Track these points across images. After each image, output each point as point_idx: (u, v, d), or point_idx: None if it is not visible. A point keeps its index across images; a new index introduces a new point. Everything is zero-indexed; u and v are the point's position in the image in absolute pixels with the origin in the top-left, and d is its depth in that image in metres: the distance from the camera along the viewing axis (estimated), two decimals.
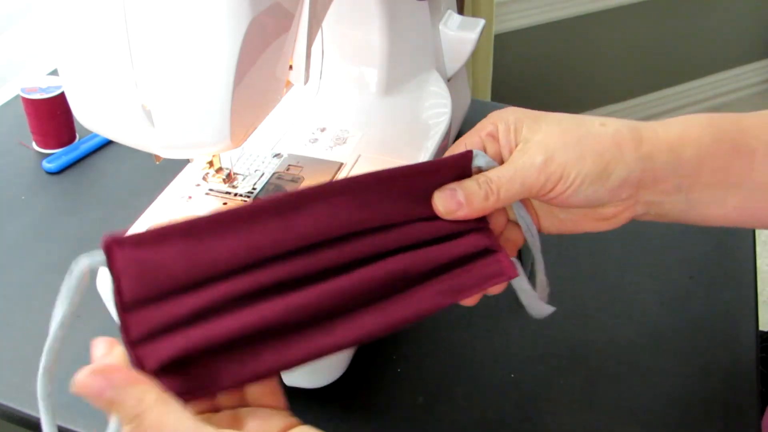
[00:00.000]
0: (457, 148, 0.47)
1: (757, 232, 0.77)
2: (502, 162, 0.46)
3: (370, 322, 0.41)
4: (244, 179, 0.61)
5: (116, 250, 0.38)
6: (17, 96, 0.92)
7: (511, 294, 0.68)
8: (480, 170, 0.45)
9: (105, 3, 0.43)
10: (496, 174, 0.44)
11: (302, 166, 0.64)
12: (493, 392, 0.59)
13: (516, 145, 0.45)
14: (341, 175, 0.64)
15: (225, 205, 0.39)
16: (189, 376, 0.38)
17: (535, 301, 0.47)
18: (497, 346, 0.63)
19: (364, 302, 0.42)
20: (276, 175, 0.63)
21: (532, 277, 0.48)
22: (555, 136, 0.44)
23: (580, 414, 0.58)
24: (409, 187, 0.44)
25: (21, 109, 0.86)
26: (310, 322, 0.40)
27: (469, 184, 0.44)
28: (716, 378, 0.61)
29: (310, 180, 0.63)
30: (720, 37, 2.33)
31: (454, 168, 0.45)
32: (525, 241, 0.48)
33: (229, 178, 0.60)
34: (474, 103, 0.91)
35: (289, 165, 0.65)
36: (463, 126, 0.86)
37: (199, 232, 0.39)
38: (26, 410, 0.58)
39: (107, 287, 0.55)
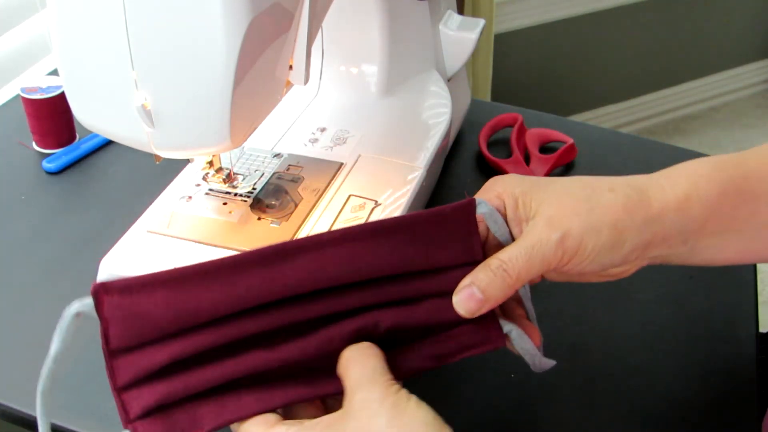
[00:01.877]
0: None
1: None
2: (510, 233, 0.45)
3: None
4: (244, 179, 0.61)
5: (104, 297, 0.40)
6: (17, 96, 0.92)
7: None
8: (482, 219, 0.44)
9: (105, 3, 0.43)
10: (509, 255, 0.43)
11: (302, 166, 0.64)
12: (493, 392, 0.59)
13: (526, 220, 0.44)
14: (341, 175, 0.64)
15: (209, 259, 0.40)
16: (171, 421, 0.40)
17: (537, 358, 0.46)
18: None
19: None
20: (276, 175, 0.63)
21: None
22: (567, 209, 0.43)
23: (580, 414, 0.58)
24: (408, 238, 0.43)
25: (21, 109, 0.86)
26: (290, 371, 0.41)
27: (482, 275, 0.42)
28: (716, 378, 0.61)
29: (310, 180, 0.63)
30: (720, 37, 2.33)
31: (457, 219, 0.44)
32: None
33: (229, 178, 0.60)
34: (474, 103, 0.91)
35: (289, 165, 0.65)
36: (463, 126, 0.86)
37: (183, 281, 0.40)
38: (26, 410, 0.58)
39: None
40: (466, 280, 0.43)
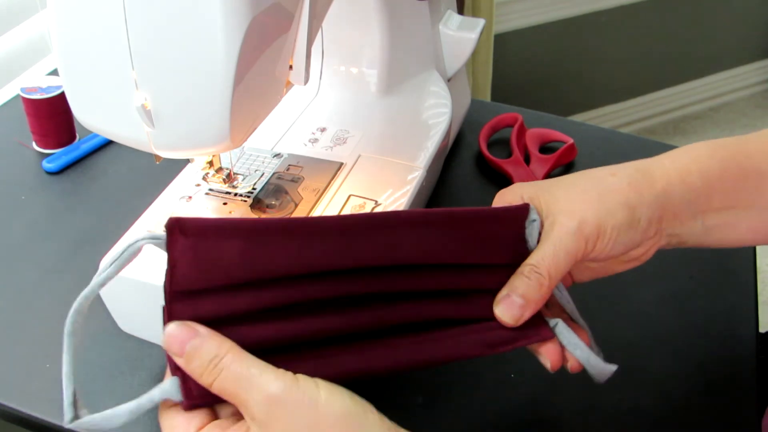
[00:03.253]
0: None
1: None
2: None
3: (404, 355, 0.42)
4: (244, 179, 0.61)
5: (178, 235, 0.38)
6: (17, 96, 0.92)
7: None
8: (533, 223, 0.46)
9: (105, 3, 0.43)
10: (536, 258, 0.44)
11: (302, 166, 0.64)
12: (493, 392, 0.59)
13: (541, 224, 0.46)
14: (341, 175, 0.64)
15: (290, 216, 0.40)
16: None
17: (592, 357, 0.47)
18: None
19: (402, 335, 0.42)
20: (276, 175, 0.63)
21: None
22: (577, 202, 0.45)
23: (581, 414, 0.58)
24: (467, 231, 0.44)
25: (21, 109, 0.86)
26: (347, 343, 0.41)
27: (517, 282, 0.44)
28: (716, 378, 0.61)
29: (310, 180, 0.63)
30: (720, 37, 2.33)
31: (511, 220, 0.45)
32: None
33: (229, 178, 0.60)
34: (474, 103, 0.91)
35: (289, 165, 0.65)
36: (463, 126, 0.86)
37: (261, 234, 0.39)
38: (26, 410, 0.58)
39: (107, 289, 0.55)
40: (503, 291, 0.44)
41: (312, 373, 0.37)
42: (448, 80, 0.79)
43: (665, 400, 0.59)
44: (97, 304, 0.58)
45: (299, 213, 0.59)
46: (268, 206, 0.60)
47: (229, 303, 0.38)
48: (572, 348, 0.46)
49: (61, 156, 0.85)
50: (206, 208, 0.59)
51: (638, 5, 2.08)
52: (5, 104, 0.97)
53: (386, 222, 0.42)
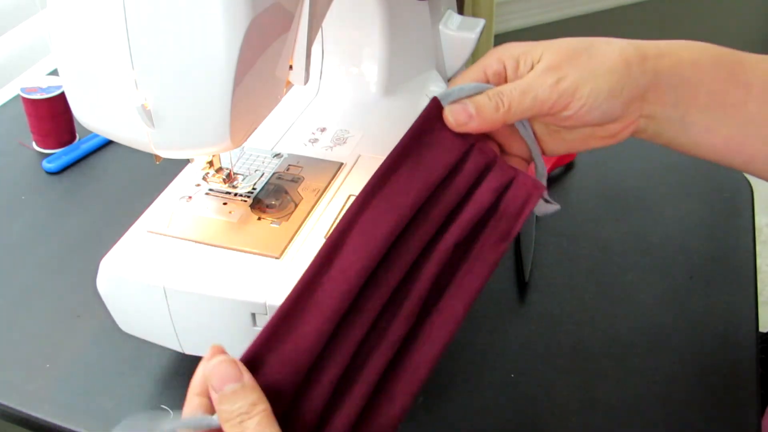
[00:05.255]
0: (459, 83, 0.47)
1: (757, 232, 0.77)
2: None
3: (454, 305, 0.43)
4: (244, 179, 0.61)
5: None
6: (17, 96, 0.92)
7: (511, 294, 0.68)
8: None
9: (105, 3, 0.43)
10: (507, 88, 0.45)
11: (302, 166, 0.64)
12: (493, 392, 0.59)
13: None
14: (341, 175, 0.64)
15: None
16: None
17: (542, 204, 0.48)
18: (497, 346, 0.63)
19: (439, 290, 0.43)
20: (276, 175, 0.63)
21: None
22: (563, 57, 0.45)
23: (580, 414, 0.58)
24: (417, 162, 0.44)
25: (21, 109, 0.86)
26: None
27: (479, 98, 0.45)
28: (716, 378, 0.61)
29: (310, 180, 0.63)
30: (720, 37, 2.33)
31: (430, 119, 0.46)
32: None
33: (229, 178, 0.60)
34: None
35: (289, 165, 0.64)
36: None
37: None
38: (26, 410, 0.58)
39: (107, 289, 0.55)
40: (463, 100, 0.45)
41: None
42: (448, 80, 0.79)
43: (665, 400, 0.59)
44: (97, 304, 0.58)
45: (299, 213, 0.59)
46: (268, 206, 0.60)
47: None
48: (530, 142, 0.48)
49: (61, 156, 0.85)
50: (206, 208, 0.59)
51: (638, 5, 2.08)
52: (5, 104, 0.97)
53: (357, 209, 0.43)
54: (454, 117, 0.45)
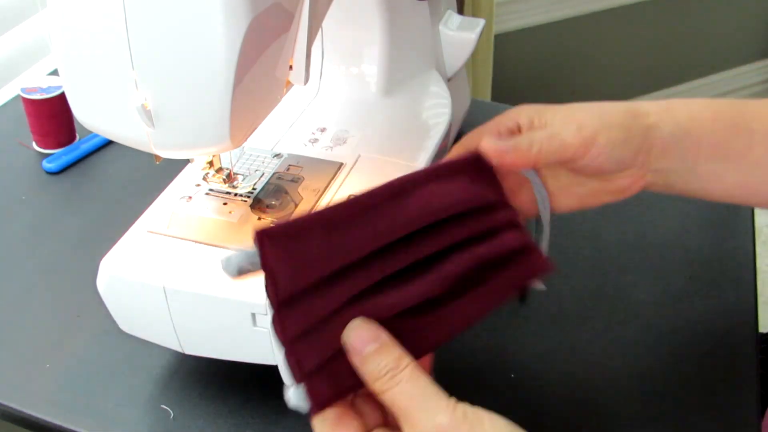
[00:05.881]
0: (472, 143, 0.48)
1: (757, 232, 0.77)
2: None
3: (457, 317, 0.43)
4: (244, 179, 0.61)
5: (267, 245, 0.38)
6: (17, 96, 0.92)
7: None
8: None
9: (105, 3, 0.43)
10: (534, 133, 0.47)
11: (302, 166, 0.64)
12: (493, 392, 0.59)
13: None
14: (341, 175, 0.64)
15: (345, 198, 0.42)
16: (339, 375, 0.38)
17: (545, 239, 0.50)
18: (497, 346, 0.63)
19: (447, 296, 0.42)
20: (276, 175, 0.63)
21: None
22: (578, 114, 0.48)
23: (581, 414, 0.58)
24: (444, 189, 0.44)
25: (21, 109, 0.86)
26: (423, 310, 0.41)
27: (515, 138, 0.47)
28: (716, 378, 0.61)
29: (310, 180, 0.63)
30: (720, 37, 2.33)
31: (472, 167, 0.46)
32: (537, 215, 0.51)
33: (229, 178, 0.60)
34: (474, 103, 0.91)
35: (289, 165, 0.64)
36: (463, 126, 0.86)
37: (335, 221, 0.40)
38: (26, 410, 0.58)
39: (107, 289, 0.55)
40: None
41: (412, 345, 0.39)
42: (448, 80, 0.79)
43: (665, 399, 0.59)
44: (97, 304, 0.58)
45: (299, 213, 0.59)
46: (268, 206, 0.60)
47: (329, 294, 0.38)
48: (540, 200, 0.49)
49: (61, 156, 0.85)
50: (206, 208, 0.59)
51: (638, 5, 2.08)
52: (5, 104, 0.97)
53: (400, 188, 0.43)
54: (494, 148, 0.46)
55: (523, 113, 0.49)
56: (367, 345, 0.37)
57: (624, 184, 0.50)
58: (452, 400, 0.37)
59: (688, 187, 0.50)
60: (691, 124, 0.49)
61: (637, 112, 0.49)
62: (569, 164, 0.48)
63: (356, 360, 0.38)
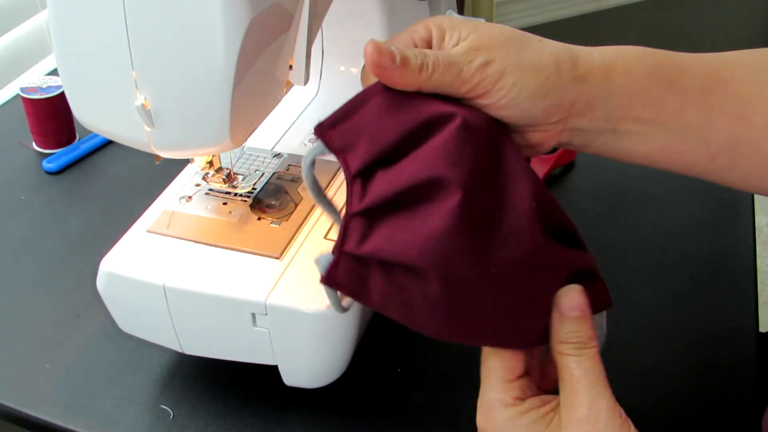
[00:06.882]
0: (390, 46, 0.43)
1: (757, 232, 0.77)
2: None
3: None
4: (244, 179, 0.61)
5: (329, 131, 0.40)
6: (17, 96, 0.92)
7: None
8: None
9: (105, 3, 0.43)
10: (435, 54, 0.40)
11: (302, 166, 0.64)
12: None
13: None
14: (341, 175, 0.64)
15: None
16: (365, 281, 0.39)
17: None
18: None
19: None
20: (276, 175, 0.63)
21: None
22: (493, 41, 0.41)
23: None
24: None
25: (21, 109, 0.86)
26: None
27: (408, 50, 0.40)
28: (716, 378, 0.61)
29: None
30: (720, 37, 2.33)
31: None
32: None
33: (229, 178, 0.60)
34: None
35: (289, 165, 0.64)
36: None
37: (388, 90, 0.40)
38: (26, 410, 0.58)
39: (107, 289, 0.55)
40: (394, 47, 0.41)
41: None
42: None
43: (665, 399, 0.59)
44: (97, 304, 0.58)
45: (299, 213, 0.59)
46: (268, 206, 0.60)
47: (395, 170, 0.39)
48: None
49: (61, 156, 0.85)
50: (206, 208, 0.59)
51: (638, 5, 2.08)
52: (5, 104, 0.97)
53: None
54: (377, 56, 0.40)
55: (436, 23, 0.43)
56: (573, 310, 0.40)
57: (533, 140, 0.43)
58: (613, 397, 0.40)
59: (607, 149, 0.45)
60: (623, 80, 0.43)
61: (564, 60, 0.42)
62: (464, 101, 0.42)
63: (556, 318, 0.40)
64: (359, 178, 0.39)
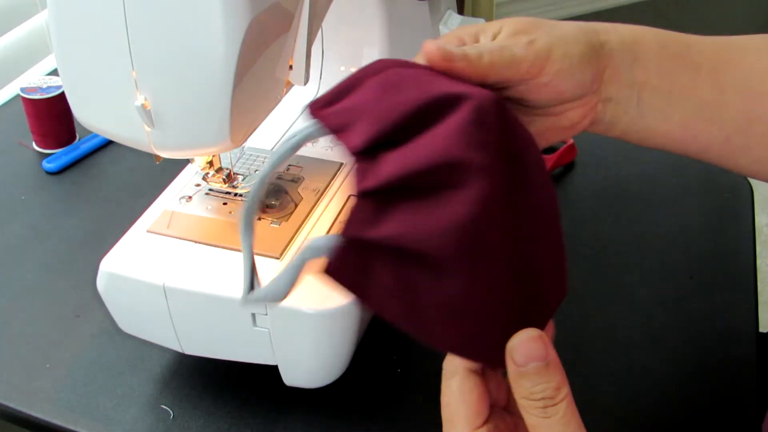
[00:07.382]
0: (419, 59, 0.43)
1: (757, 232, 0.77)
2: None
3: None
4: (244, 179, 0.61)
5: (322, 112, 0.38)
6: (17, 96, 0.92)
7: None
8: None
9: (105, 3, 0.43)
10: (483, 44, 0.41)
11: (302, 166, 0.64)
12: None
13: None
14: (341, 175, 0.64)
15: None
16: (366, 276, 0.36)
17: None
18: None
19: None
20: (276, 175, 0.63)
21: None
22: (526, 25, 0.43)
23: (580, 414, 0.58)
24: None
25: (21, 109, 0.86)
26: None
27: (462, 47, 0.41)
28: (716, 378, 0.61)
29: (310, 180, 0.63)
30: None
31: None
32: None
33: (229, 178, 0.60)
34: None
35: (289, 165, 0.64)
36: None
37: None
38: (26, 410, 0.58)
39: (107, 289, 0.55)
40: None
41: None
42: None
43: (665, 399, 0.59)
44: (97, 304, 0.58)
45: (299, 213, 0.59)
46: (268, 206, 0.60)
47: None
48: None
49: (61, 156, 0.85)
50: (206, 208, 0.59)
51: (638, 5, 2.08)
52: (5, 104, 0.97)
53: None
54: (443, 50, 0.40)
55: (465, 31, 0.44)
56: (530, 362, 0.35)
57: (575, 117, 0.44)
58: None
59: (635, 126, 0.45)
60: (638, 48, 0.44)
61: (587, 29, 0.44)
62: (523, 88, 0.42)
63: (512, 370, 0.35)
64: (364, 157, 0.36)
